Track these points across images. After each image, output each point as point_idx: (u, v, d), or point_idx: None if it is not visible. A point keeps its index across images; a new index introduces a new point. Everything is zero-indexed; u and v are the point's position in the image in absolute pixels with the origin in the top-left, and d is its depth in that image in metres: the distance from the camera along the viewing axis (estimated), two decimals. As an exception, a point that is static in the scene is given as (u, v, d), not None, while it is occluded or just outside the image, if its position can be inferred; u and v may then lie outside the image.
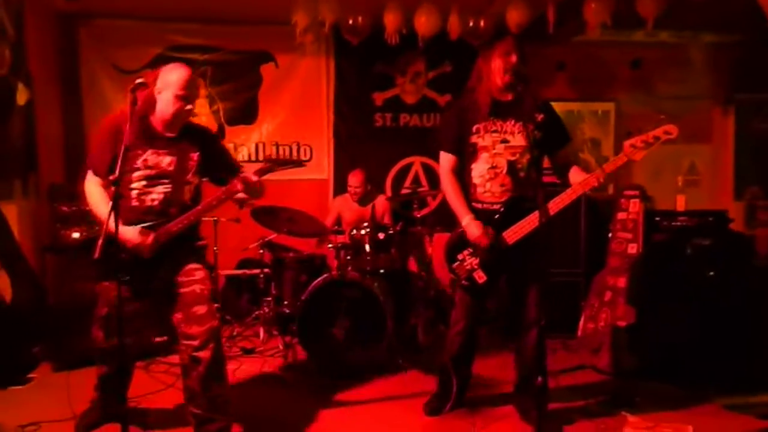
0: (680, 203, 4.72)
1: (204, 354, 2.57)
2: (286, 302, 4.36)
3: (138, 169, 2.62)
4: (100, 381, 2.88)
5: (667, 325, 3.65)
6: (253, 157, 5.40)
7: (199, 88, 2.66)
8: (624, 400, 3.27)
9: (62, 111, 5.06)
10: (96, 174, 2.69)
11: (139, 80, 2.33)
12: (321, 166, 5.52)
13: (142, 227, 2.58)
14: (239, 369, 3.85)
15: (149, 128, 2.67)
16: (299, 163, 2.90)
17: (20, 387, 3.57)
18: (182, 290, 2.65)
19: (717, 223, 4.33)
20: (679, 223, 4.38)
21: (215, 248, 4.20)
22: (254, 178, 2.61)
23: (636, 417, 3.06)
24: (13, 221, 4.04)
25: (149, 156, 2.64)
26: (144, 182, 2.64)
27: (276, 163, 2.74)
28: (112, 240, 2.45)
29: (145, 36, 5.14)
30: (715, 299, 3.61)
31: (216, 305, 2.70)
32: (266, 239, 4.41)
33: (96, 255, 2.12)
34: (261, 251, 4.43)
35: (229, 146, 5.35)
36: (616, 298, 4.00)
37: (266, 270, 4.43)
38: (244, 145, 5.41)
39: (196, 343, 2.57)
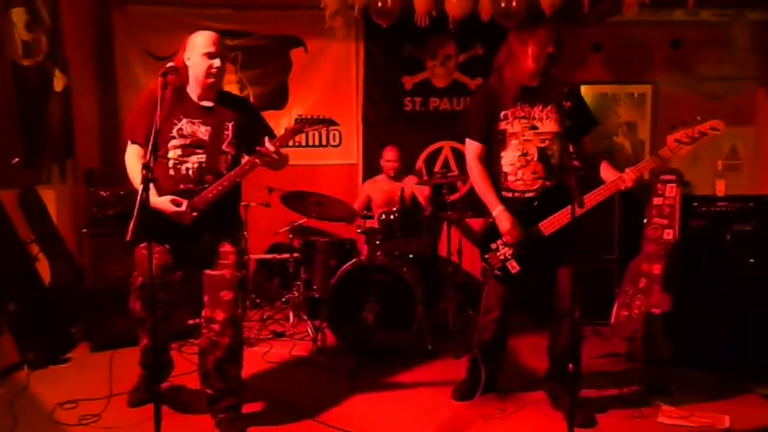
0: (720, 188, 4.57)
1: (224, 340, 2.65)
2: (315, 286, 4.40)
3: (173, 137, 2.64)
4: (142, 355, 2.95)
5: (704, 312, 3.55)
6: (283, 142, 5.42)
7: (226, 49, 2.63)
8: (658, 388, 3.21)
9: (97, 97, 5.14)
10: (132, 141, 2.73)
11: (170, 64, 2.35)
12: (350, 151, 5.51)
13: (173, 196, 2.59)
14: (269, 352, 3.90)
15: (185, 98, 2.69)
16: (331, 122, 2.75)
17: (59, 366, 3.67)
18: (213, 272, 2.69)
19: (758, 209, 4.19)
20: (718, 209, 4.27)
21: (245, 233, 4.24)
22: (271, 148, 2.59)
23: (670, 406, 3.00)
24: (52, 206, 4.16)
25: (184, 125, 2.65)
26: (179, 151, 2.64)
27: (306, 123, 2.68)
28: (149, 210, 2.46)
29: (176, 22, 5.16)
30: (754, 287, 3.50)
31: (241, 292, 2.74)
32: (296, 224, 4.43)
33: (128, 237, 2.14)
34: (291, 236, 4.46)
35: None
36: (651, 285, 3.92)
37: (296, 254, 4.46)
38: (274, 129, 5.41)
39: (217, 328, 2.65)
